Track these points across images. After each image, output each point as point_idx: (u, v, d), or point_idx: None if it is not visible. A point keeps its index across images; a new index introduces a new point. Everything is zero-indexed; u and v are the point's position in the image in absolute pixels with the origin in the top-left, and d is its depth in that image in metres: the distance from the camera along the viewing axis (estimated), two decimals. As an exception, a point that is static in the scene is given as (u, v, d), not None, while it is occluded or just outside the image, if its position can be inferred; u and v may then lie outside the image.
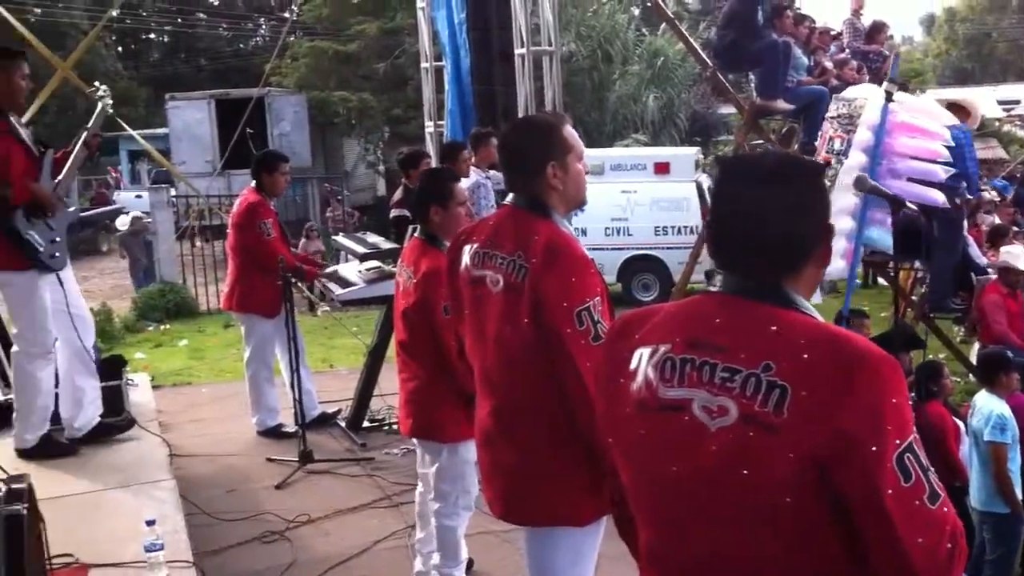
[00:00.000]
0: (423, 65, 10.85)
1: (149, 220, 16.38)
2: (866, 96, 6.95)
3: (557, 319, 2.72)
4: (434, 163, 8.32)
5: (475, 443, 3.20)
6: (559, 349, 2.74)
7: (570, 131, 2.90)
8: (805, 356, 1.66)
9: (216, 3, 43.47)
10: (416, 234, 4.14)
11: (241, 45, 41.71)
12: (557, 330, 2.72)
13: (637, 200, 15.39)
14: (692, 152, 17.39)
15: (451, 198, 4.01)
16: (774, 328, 1.72)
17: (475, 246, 2.99)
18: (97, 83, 5.67)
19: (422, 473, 4.30)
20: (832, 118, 7.18)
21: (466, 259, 3.01)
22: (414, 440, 4.41)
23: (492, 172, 8.09)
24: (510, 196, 2.98)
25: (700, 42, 16.65)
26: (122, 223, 16.70)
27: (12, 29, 11.74)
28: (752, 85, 9.40)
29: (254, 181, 6.72)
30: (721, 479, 1.70)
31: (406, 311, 4.04)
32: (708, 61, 9.93)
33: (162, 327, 12.94)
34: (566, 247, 2.79)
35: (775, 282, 1.78)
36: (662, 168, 15.57)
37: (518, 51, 9.32)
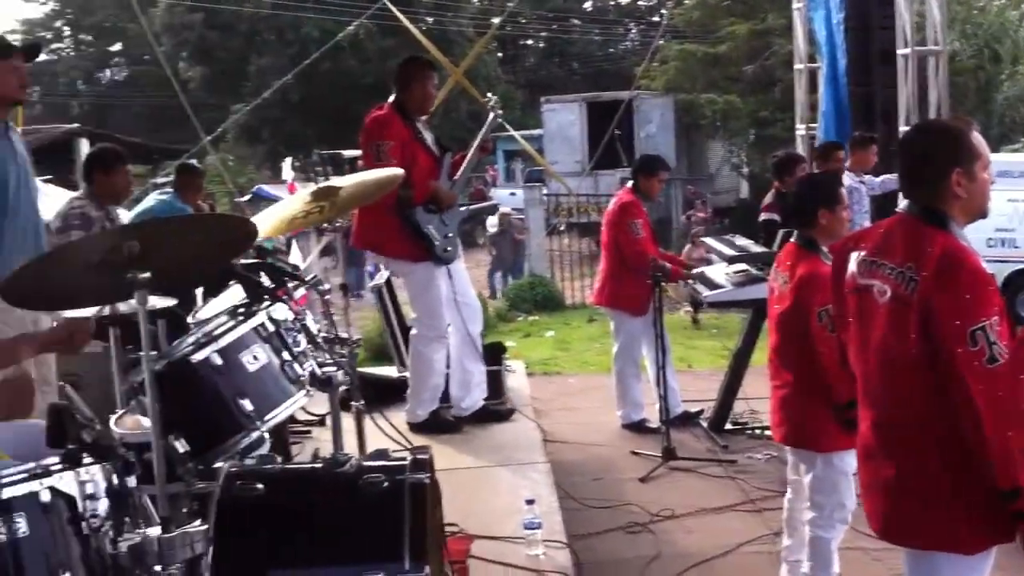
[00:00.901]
0: (796, 66, 10.66)
1: (516, 216, 17.23)
2: None
3: (949, 338, 2.61)
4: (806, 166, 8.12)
5: (856, 455, 3.12)
6: (950, 369, 2.62)
7: (978, 138, 2.75)
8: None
9: (589, 9, 44.83)
10: (792, 238, 4.08)
11: (611, 49, 42.75)
12: (949, 349, 2.61)
13: (1025, 210, 14.11)
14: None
15: (839, 202, 3.94)
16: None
17: (862, 254, 2.91)
18: (489, 94, 6.11)
19: (793, 480, 4.23)
20: None
21: (852, 266, 2.94)
22: (785, 448, 4.35)
23: (868, 177, 7.80)
24: (904, 203, 2.88)
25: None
26: (492, 224, 17.69)
27: (408, 37, 12.80)
28: None
29: (631, 182, 6.91)
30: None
31: (779, 316, 4.00)
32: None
33: (530, 318, 13.58)
34: (963, 261, 2.64)
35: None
36: (1052, 175, 14.16)
37: (901, 51, 8.91)
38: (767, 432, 5.56)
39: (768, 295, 4.21)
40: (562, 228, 16.96)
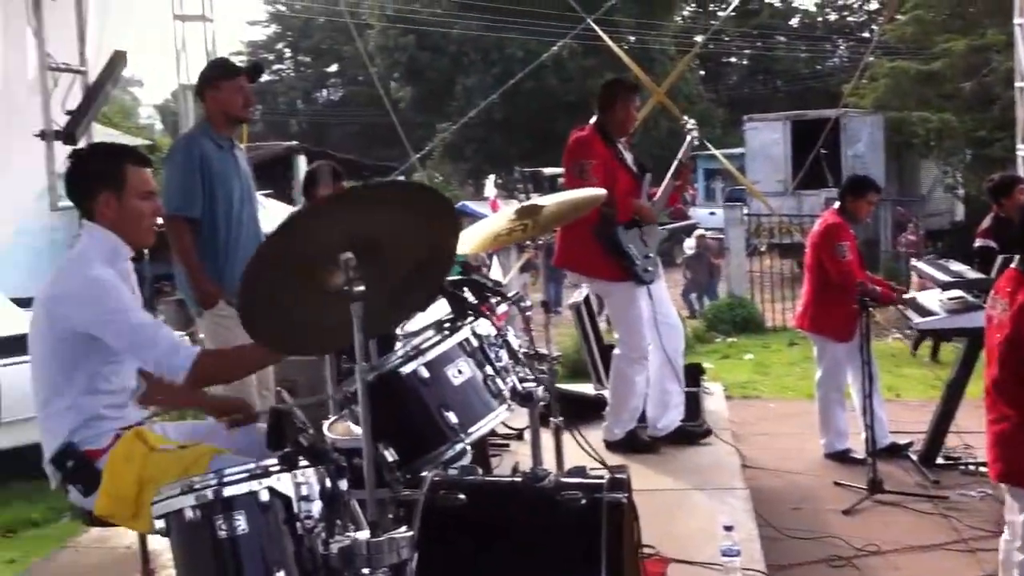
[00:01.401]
0: (1017, 84, 10.08)
1: (712, 238, 16.97)
2: None
3: None
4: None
5: None
6: None
7: None
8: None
9: (796, 25, 43.84)
10: (1014, 264, 3.87)
11: (818, 66, 41.62)
12: None
13: None
14: None
15: None
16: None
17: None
18: (687, 116, 6.08)
19: (1010, 520, 4.00)
20: None
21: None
22: (1001, 486, 4.11)
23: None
24: None
25: None
26: (688, 246, 17.51)
27: (609, 56, 12.86)
28: None
29: (838, 203, 6.72)
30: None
31: (998, 346, 3.80)
32: None
33: (729, 340, 13.37)
34: None
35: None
36: None
37: None
38: (983, 468, 5.29)
39: (986, 324, 4.00)
40: (763, 249, 16.63)
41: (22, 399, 3.49)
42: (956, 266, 6.91)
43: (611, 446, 5.49)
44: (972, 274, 6.48)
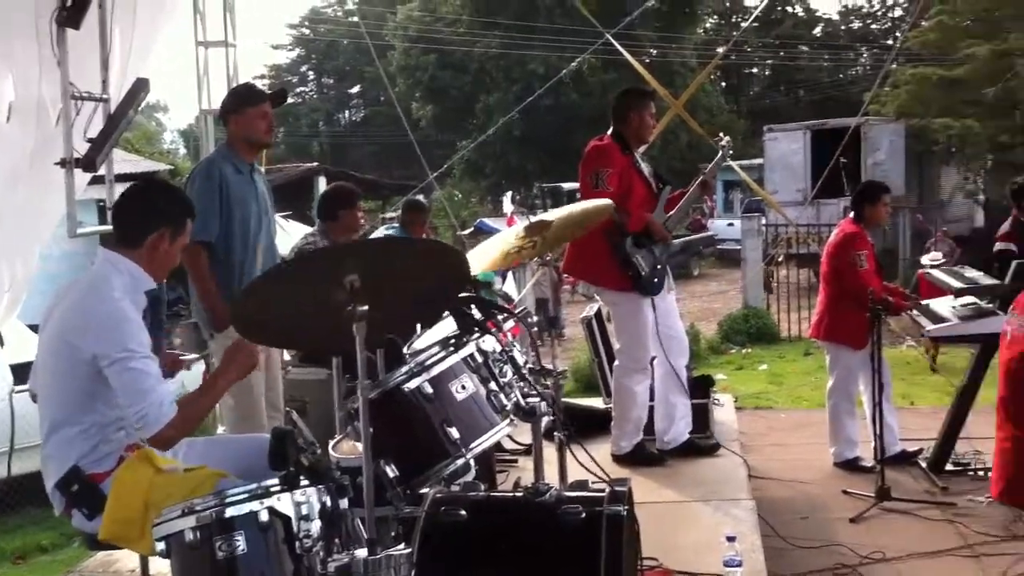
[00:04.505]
0: (1038, 88, 10.08)
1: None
2: None
3: None
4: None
5: None
6: None
7: None
8: None
9: (819, 35, 43.76)
10: None
11: (840, 75, 41.53)
12: None
13: None
14: None
15: None
16: None
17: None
18: (721, 134, 6.13)
19: None
20: None
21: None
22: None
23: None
24: None
25: None
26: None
27: (630, 70, 12.96)
28: None
29: (853, 211, 6.73)
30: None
31: (1010, 363, 3.79)
32: None
33: (744, 351, 13.38)
34: None
35: None
36: None
37: None
38: (991, 474, 5.30)
39: (1000, 337, 3.99)
40: (780, 259, 16.63)
41: (37, 425, 3.57)
42: (970, 272, 6.92)
43: (618, 459, 5.55)
44: (985, 280, 6.48)
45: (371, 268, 3.07)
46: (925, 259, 11.78)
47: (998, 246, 7.50)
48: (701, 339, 13.28)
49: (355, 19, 41.83)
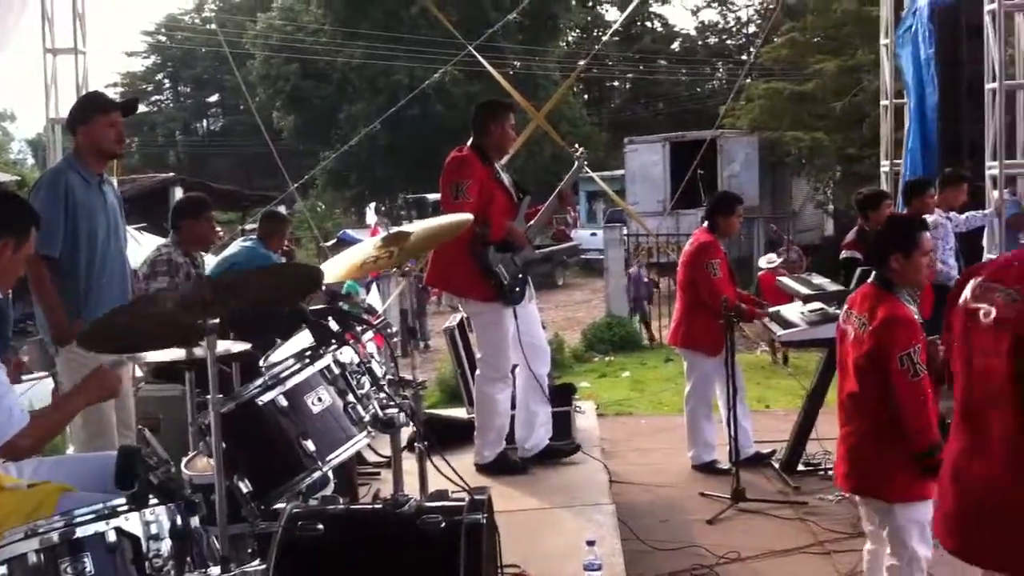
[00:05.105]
0: (882, 103, 10.54)
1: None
2: None
3: None
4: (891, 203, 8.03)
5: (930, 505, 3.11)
6: None
7: None
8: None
9: (677, 49, 44.93)
10: (870, 279, 4.02)
11: (698, 89, 42.72)
12: None
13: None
14: None
15: (915, 247, 3.84)
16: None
17: (980, 279, 2.92)
18: (577, 145, 6.23)
19: (870, 530, 4.13)
20: None
21: (967, 293, 2.93)
22: (856, 497, 4.27)
23: (953, 214, 7.70)
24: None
25: None
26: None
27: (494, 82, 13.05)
28: None
29: (707, 221, 6.91)
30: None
31: (856, 360, 3.92)
32: None
33: (607, 358, 13.60)
34: None
35: None
36: None
37: (988, 85, 8.77)
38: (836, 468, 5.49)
39: (839, 338, 4.12)
40: (641, 268, 16.97)
41: None
42: (818, 279, 7.19)
43: (481, 469, 5.55)
44: (832, 287, 6.73)
45: (220, 303, 3.03)
46: (762, 261, 12.26)
47: (844, 254, 7.77)
48: (565, 348, 13.44)
49: (213, 27, 41.01)
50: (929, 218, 7.16)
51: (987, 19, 8.66)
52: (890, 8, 10.14)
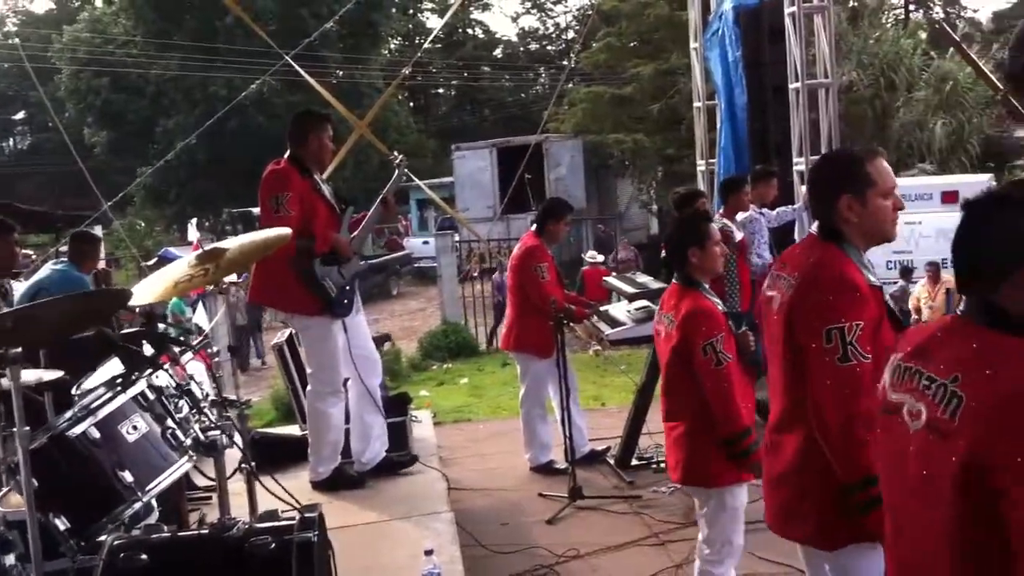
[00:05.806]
0: (695, 104, 10.89)
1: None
2: None
3: (805, 336, 2.75)
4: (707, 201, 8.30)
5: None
6: (806, 364, 2.75)
7: (878, 166, 2.83)
8: (987, 372, 1.74)
9: (500, 56, 45.42)
10: (673, 279, 4.14)
11: (523, 95, 43.29)
12: (804, 347, 2.75)
13: (921, 231, 14.63)
14: (984, 179, 16.29)
15: (707, 238, 4.00)
16: (974, 345, 1.81)
17: (775, 271, 3.02)
18: (395, 152, 6.15)
19: (699, 515, 4.25)
20: None
21: (767, 281, 3.04)
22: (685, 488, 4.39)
23: (765, 210, 8.02)
24: (814, 225, 2.99)
25: (992, 64, 15.64)
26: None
27: (316, 92, 12.86)
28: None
29: (535, 225, 6.97)
30: (916, 479, 1.85)
31: (668, 355, 4.03)
32: (999, 85, 9.36)
33: (444, 366, 13.60)
34: (828, 268, 2.77)
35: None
36: (950, 197, 14.65)
37: (792, 85, 9.17)
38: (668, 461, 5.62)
39: (655, 337, 4.24)
40: (475, 274, 17.06)
41: None
42: (642, 278, 7.37)
43: (318, 485, 5.41)
44: (656, 284, 6.88)
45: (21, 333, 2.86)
46: (586, 257, 12.50)
47: (665, 252, 7.96)
48: (402, 357, 13.36)
49: (15, 41, 38.97)
50: (743, 214, 7.47)
51: (788, 21, 9.10)
52: (698, 12, 10.50)
